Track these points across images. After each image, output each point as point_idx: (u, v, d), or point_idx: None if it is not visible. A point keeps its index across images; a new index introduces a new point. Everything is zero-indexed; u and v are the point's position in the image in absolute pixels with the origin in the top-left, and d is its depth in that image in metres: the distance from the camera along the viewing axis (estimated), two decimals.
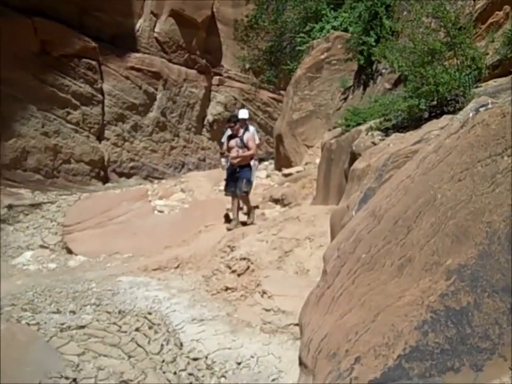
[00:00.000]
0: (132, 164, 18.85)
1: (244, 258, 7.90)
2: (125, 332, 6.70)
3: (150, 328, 6.72)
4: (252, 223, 10.10)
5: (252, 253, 7.99)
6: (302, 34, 16.98)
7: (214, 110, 21.97)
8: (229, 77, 22.60)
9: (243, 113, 11.40)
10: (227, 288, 7.44)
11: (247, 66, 21.97)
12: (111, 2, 18.16)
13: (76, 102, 17.37)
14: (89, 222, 12.31)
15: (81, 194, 15.75)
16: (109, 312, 7.20)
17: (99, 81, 18.15)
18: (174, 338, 6.37)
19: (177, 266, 8.91)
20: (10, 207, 13.57)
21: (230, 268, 7.88)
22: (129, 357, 6.20)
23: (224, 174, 11.27)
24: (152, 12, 19.74)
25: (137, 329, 6.72)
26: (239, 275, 7.64)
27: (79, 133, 17.44)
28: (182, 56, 20.79)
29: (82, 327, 6.85)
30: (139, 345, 6.40)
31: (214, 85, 22.12)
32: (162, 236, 10.83)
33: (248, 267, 7.70)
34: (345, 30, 14.70)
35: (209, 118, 21.78)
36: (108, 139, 18.39)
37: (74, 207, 14.00)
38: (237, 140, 10.36)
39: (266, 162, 17.66)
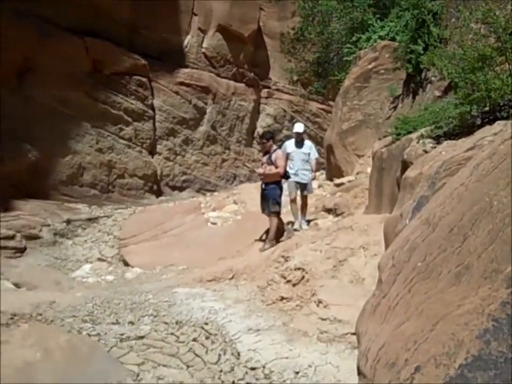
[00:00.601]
0: (184, 177, 19.09)
1: (299, 268, 7.89)
2: (183, 342, 6.79)
3: (207, 338, 6.78)
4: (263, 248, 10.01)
5: (306, 263, 7.98)
6: (348, 45, 16.96)
7: (263, 122, 22.07)
8: (277, 89, 22.69)
9: (298, 127, 11.46)
10: (282, 298, 7.46)
11: (295, 78, 22.05)
12: (159, 20, 18.49)
13: (128, 118, 17.72)
14: (144, 235, 12.53)
15: (136, 208, 16.06)
16: (166, 323, 7.30)
17: (150, 97, 18.46)
18: (231, 348, 6.42)
19: (232, 277, 8.96)
20: (68, 221, 13.95)
21: (284, 278, 7.89)
22: (188, 366, 6.28)
23: None
24: (199, 28, 20.02)
25: (194, 340, 6.79)
26: (294, 285, 7.65)
27: (132, 148, 17.77)
28: (230, 70, 21.00)
29: (141, 337, 6.98)
30: (197, 355, 6.47)
31: (263, 97, 22.23)
32: (216, 247, 10.93)
33: (303, 277, 7.70)
34: (392, 39, 14.63)
35: (259, 130, 21.85)
36: (160, 153, 18.69)
37: (130, 220, 14.28)
38: (267, 157, 10.47)
39: (318, 173, 17.66)
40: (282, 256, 8.54)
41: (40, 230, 13.01)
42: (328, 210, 11.93)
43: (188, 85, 19.44)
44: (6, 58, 14.79)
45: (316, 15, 20.35)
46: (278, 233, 10.32)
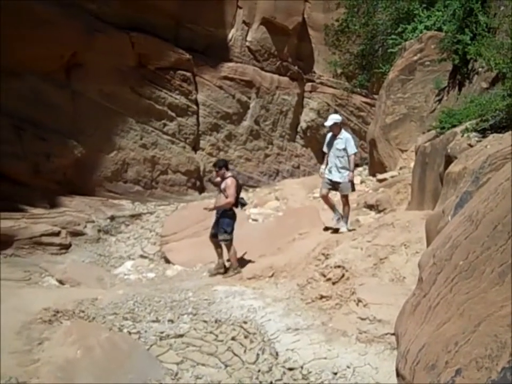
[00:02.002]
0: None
1: (339, 266, 7.80)
2: (221, 341, 6.78)
3: (245, 337, 6.75)
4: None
5: (346, 261, 7.88)
6: (394, 36, 16.70)
7: (307, 117, 21.88)
8: (321, 83, 22.45)
9: (328, 120, 10.66)
10: (322, 297, 7.38)
11: (339, 71, 21.83)
12: (204, 13, 18.48)
13: (171, 114, 17.77)
14: (186, 231, 12.56)
15: (179, 205, 16.15)
16: (205, 321, 7.30)
17: (193, 92, 18.48)
18: (269, 348, 6.38)
19: (272, 275, 8.92)
20: (112, 218, 14.12)
21: (324, 276, 7.81)
22: (226, 366, 6.26)
23: (319, 181, 11.19)
24: (244, 21, 19.94)
25: (233, 338, 6.77)
26: (333, 283, 7.56)
27: (175, 144, 17.83)
28: (274, 64, 20.88)
29: (181, 336, 6.99)
30: (235, 355, 6.45)
31: (306, 91, 22.03)
32: (257, 244, 10.87)
33: (343, 275, 7.59)
34: (439, 30, 14.33)
35: (303, 125, 21.70)
36: (203, 149, 18.70)
37: (172, 217, 14.35)
38: (219, 185, 10.23)
39: (360, 168, 17.45)
40: (323, 254, 8.45)
41: (85, 227, 13.19)
42: (370, 207, 11.77)
43: (232, 79, 19.39)
44: (54, 54, 15.04)
45: (360, 6, 20.14)
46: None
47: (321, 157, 22.19)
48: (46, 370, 5.81)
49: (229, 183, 10.01)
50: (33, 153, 14.35)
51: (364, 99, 23.06)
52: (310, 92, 22.19)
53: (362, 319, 6.42)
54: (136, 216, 14.81)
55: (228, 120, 19.24)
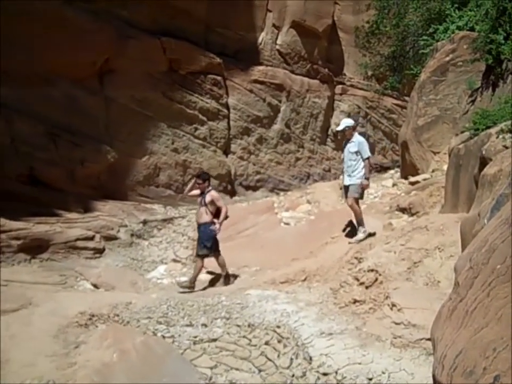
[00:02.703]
0: (258, 176, 19.11)
1: (372, 270, 7.75)
2: (255, 345, 6.77)
3: (279, 342, 6.74)
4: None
5: (379, 264, 7.83)
6: (425, 37, 16.55)
7: (337, 120, 21.71)
8: (351, 85, 22.38)
9: (340, 124, 10.43)
10: (355, 301, 7.33)
11: (370, 73, 21.71)
12: (234, 17, 18.58)
13: (203, 118, 17.87)
14: (218, 235, 12.59)
15: None
16: (238, 326, 7.30)
17: (224, 96, 18.56)
18: (303, 353, 6.35)
19: (305, 279, 8.90)
20: (145, 222, 14.23)
21: (357, 280, 7.76)
22: (260, 370, 6.25)
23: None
24: (273, 25, 19.97)
25: (266, 343, 6.76)
26: (367, 287, 7.51)
27: (206, 148, 17.92)
28: (304, 67, 20.86)
29: (214, 340, 7.01)
30: (269, 359, 6.43)
31: (337, 94, 21.97)
32: (289, 248, 10.86)
33: (376, 279, 7.54)
34: (471, 30, 14.17)
35: (333, 127, 21.62)
36: (234, 153, 18.76)
37: None
38: (201, 199, 10.12)
39: (392, 171, 17.35)
40: (356, 258, 8.41)
41: (118, 231, 13.31)
42: (403, 210, 11.66)
43: (262, 83, 19.43)
44: (87, 60, 15.30)
45: (391, 7, 19.99)
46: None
47: None
48: (83, 373, 5.87)
49: (216, 195, 10.13)
50: (68, 159, 14.58)
51: (395, 101, 22.92)
52: (341, 94, 22.14)
53: (396, 323, 6.36)
54: (168, 220, 14.90)
55: (258, 124, 19.28)
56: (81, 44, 14.60)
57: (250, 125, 19.05)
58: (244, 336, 7.02)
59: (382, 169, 20.98)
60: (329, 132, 21.64)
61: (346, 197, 10.24)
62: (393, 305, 6.67)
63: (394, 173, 16.84)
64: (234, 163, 18.62)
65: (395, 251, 8.07)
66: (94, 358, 6.25)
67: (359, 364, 5.82)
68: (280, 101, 19.92)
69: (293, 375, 5.98)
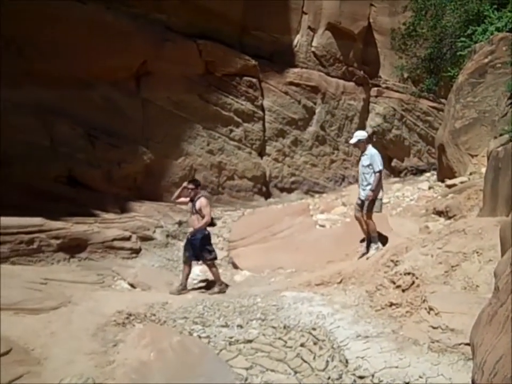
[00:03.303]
0: (292, 178, 19.12)
1: (409, 273, 7.67)
2: (290, 347, 6.79)
3: (315, 344, 6.75)
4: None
5: (416, 268, 7.75)
6: (463, 39, 16.37)
7: (373, 122, 21.73)
8: (387, 88, 22.26)
9: (353, 137, 10.07)
10: (391, 304, 7.29)
11: (406, 75, 21.56)
12: (270, 20, 18.66)
13: (238, 120, 17.97)
14: (253, 237, 12.63)
15: (245, 210, 16.27)
16: (274, 327, 7.32)
17: (259, 98, 18.63)
18: (339, 355, 6.34)
19: (340, 281, 8.88)
20: (180, 223, 14.36)
21: (394, 283, 7.71)
22: (295, 372, 6.27)
23: (386, 187, 10.99)
24: (309, 27, 20.00)
25: (302, 345, 6.78)
26: (403, 290, 7.45)
27: (241, 150, 18.01)
28: (340, 69, 20.83)
29: (250, 341, 7.04)
30: (304, 361, 6.45)
31: (372, 96, 21.89)
32: (325, 250, 10.83)
33: (413, 282, 7.48)
34: (511, 31, 13.98)
35: (368, 130, 21.54)
36: (269, 155, 18.81)
37: (239, 222, 14.47)
38: (191, 205, 9.87)
39: (428, 174, 17.21)
40: (392, 260, 8.34)
41: (154, 232, 13.44)
42: (439, 213, 11.55)
43: (297, 85, 19.46)
44: (125, 63, 15.57)
45: (428, 9, 19.81)
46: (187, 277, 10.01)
47: (386, 163, 22.10)
48: (122, 372, 5.97)
49: (205, 202, 9.83)
50: (106, 161, 14.81)
51: (431, 103, 22.73)
52: (376, 96, 22.06)
53: (434, 327, 6.30)
54: None
55: (293, 126, 19.31)
56: (120, 47, 14.89)
57: (285, 127, 19.08)
58: (280, 338, 7.04)
59: (418, 171, 20.82)
60: None
61: (361, 210, 9.90)
62: (431, 309, 6.61)
63: (431, 176, 16.69)
64: (269, 165, 18.67)
65: (432, 254, 7.97)
66: (132, 356, 6.35)
67: (396, 367, 5.78)
68: (315, 103, 19.92)
69: (329, 378, 5.98)
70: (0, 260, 9.89)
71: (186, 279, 9.82)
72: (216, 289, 9.76)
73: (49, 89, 13.99)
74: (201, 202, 9.75)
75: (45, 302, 8.06)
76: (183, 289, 9.66)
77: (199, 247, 9.70)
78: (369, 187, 9.63)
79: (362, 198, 9.77)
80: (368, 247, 9.89)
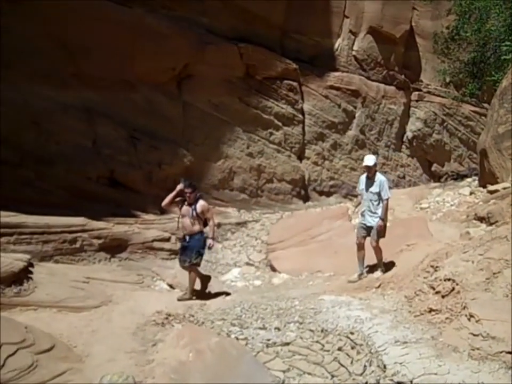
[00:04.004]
0: (331, 182, 19.07)
1: (449, 279, 7.58)
2: (328, 350, 6.79)
3: (352, 348, 6.73)
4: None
5: (456, 274, 7.64)
6: (507, 43, 16.10)
7: (413, 126, 21.54)
8: (428, 92, 22.04)
9: (367, 160, 9.58)
10: (431, 310, 7.22)
11: (448, 79, 21.30)
12: (311, 24, 18.68)
13: (278, 123, 18.00)
14: (292, 240, 12.67)
15: (283, 213, 16.31)
16: (312, 331, 7.34)
17: (300, 102, 18.65)
18: (377, 360, 6.32)
19: (379, 286, 8.85)
20: (219, 225, 14.41)
21: (433, 288, 7.63)
22: (332, 376, 6.27)
23: (426, 192, 10.86)
24: (350, 31, 19.94)
25: (339, 349, 6.77)
26: (443, 296, 7.36)
27: (281, 153, 18.04)
28: (381, 73, 20.71)
29: (287, 344, 7.07)
30: (342, 365, 6.44)
31: (413, 100, 21.68)
32: None
33: (453, 288, 7.38)
34: None
35: (409, 134, 21.39)
36: (308, 158, 18.80)
37: (277, 225, 14.52)
38: (190, 209, 9.31)
39: (469, 179, 16.95)
40: (432, 266, 8.26)
41: None
42: (481, 219, 11.39)
43: (338, 89, 19.42)
44: (167, 66, 15.77)
45: (472, 12, 19.53)
46: (205, 281, 9.79)
47: (426, 167, 21.91)
48: (161, 371, 6.05)
49: (207, 205, 9.52)
50: (147, 162, 15.00)
51: (473, 108, 22.43)
52: (417, 101, 21.86)
53: (474, 335, 6.22)
54: (241, 224, 15.09)
55: (333, 130, 19.27)
56: (162, 50, 15.08)
57: (325, 130, 19.06)
58: (317, 341, 7.05)
59: (459, 177, 20.56)
60: (404, 139, 21.40)
61: (366, 235, 9.56)
62: (471, 316, 6.53)
63: (472, 181, 16.42)
64: (308, 168, 18.66)
65: (473, 261, 7.86)
66: (171, 356, 6.43)
67: (435, 374, 5.72)
68: (355, 107, 19.86)
69: (366, 383, 5.96)
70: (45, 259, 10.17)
71: (194, 284, 9.49)
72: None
73: (94, 90, 14.29)
74: (203, 205, 9.38)
75: (87, 301, 8.25)
76: (191, 295, 9.38)
77: (194, 249, 9.33)
78: (377, 215, 9.37)
79: (369, 224, 9.46)
80: (361, 270, 9.66)
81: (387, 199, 9.43)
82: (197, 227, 9.35)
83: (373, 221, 9.38)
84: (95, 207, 13.07)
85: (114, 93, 14.65)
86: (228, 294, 9.89)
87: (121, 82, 14.78)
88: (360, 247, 9.61)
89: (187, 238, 9.42)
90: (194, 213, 9.26)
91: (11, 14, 13.12)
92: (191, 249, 9.34)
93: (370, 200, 9.42)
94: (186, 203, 9.35)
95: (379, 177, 9.52)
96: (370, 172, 9.48)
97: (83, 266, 10.89)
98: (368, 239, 9.56)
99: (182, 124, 16.15)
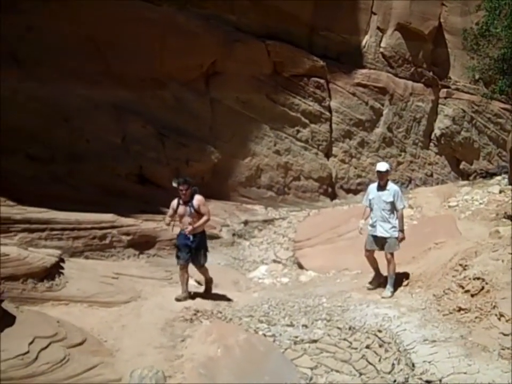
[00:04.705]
0: (358, 180, 18.98)
1: (478, 278, 7.54)
2: (356, 348, 6.82)
3: (380, 346, 6.75)
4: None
5: (486, 273, 7.60)
6: None
7: (441, 124, 21.31)
8: (457, 89, 21.78)
9: (380, 166, 9.11)
10: (460, 309, 7.20)
11: (477, 76, 21.00)
12: (339, 20, 18.60)
13: (305, 120, 17.98)
14: (319, 238, 12.66)
15: (310, 211, 16.30)
16: (339, 328, 7.37)
17: (327, 99, 18.59)
18: (405, 358, 6.33)
19: (407, 284, 8.83)
20: (246, 222, 14.52)
21: (462, 287, 7.60)
22: (360, 374, 6.30)
23: (455, 190, 10.74)
24: (378, 27, 19.81)
25: (367, 347, 6.79)
26: (472, 295, 7.33)
27: (308, 151, 18.01)
28: (408, 70, 20.55)
29: (315, 341, 7.11)
30: (370, 363, 6.46)
31: (441, 97, 21.44)
32: None
33: (483, 287, 7.34)
34: None
35: (437, 132, 21.17)
36: (335, 156, 18.75)
37: (304, 223, 14.52)
38: (186, 207, 8.53)
39: (499, 177, 16.80)
40: (460, 265, 8.22)
41: (220, 230, 13.65)
42: (510, 217, 11.29)
43: (365, 86, 19.31)
44: (195, 63, 15.87)
45: (503, 8, 19.26)
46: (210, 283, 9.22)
47: (454, 165, 21.70)
48: (190, 366, 6.13)
49: (203, 200, 8.67)
50: (174, 159, 15.12)
51: (503, 105, 22.11)
52: (445, 98, 21.61)
53: (504, 334, 6.19)
54: (268, 221, 15.14)
55: (360, 127, 19.19)
56: (191, 47, 15.20)
57: (352, 128, 18.98)
58: (345, 339, 7.08)
59: (488, 175, 20.35)
60: (432, 136, 21.21)
61: (375, 248, 9.11)
62: (501, 315, 6.50)
63: (501, 179, 16.28)
64: (335, 166, 18.61)
65: (503, 259, 7.80)
66: (199, 351, 6.51)
67: (465, 373, 5.72)
68: (382, 105, 19.74)
69: (395, 381, 5.98)
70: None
71: (187, 284, 8.79)
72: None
73: (124, 88, 14.47)
74: (199, 200, 8.60)
75: (116, 296, 8.35)
76: (187, 296, 8.65)
77: (202, 250, 8.75)
78: (392, 225, 8.89)
79: (381, 235, 8.93)
80: (377, 281, 9.21)
81: (402, 209, 9.01)
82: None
83: (386, 232, 8.88)
84: (124, 204, 13.21)
85: (143, 91, 14.82)
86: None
87: (150, 80, 14.93)
88: (370, 259, 9.21)
89: (190, 237, 8.54)
90: (192, 210, 8.53)
91: (43, 13, 13.31)
92: (197, 250, 8.67)
93: (383, 209, 8.91)
94: (181, 202, 8.59)
95: (392, 186, 9.09)
96: (382, 179, 9.02)
97: (112, 262, 11.02)
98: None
99: (210, 121, 16.25)
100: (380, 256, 9.06)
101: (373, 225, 9.03)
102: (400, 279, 9.07)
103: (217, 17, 15.92)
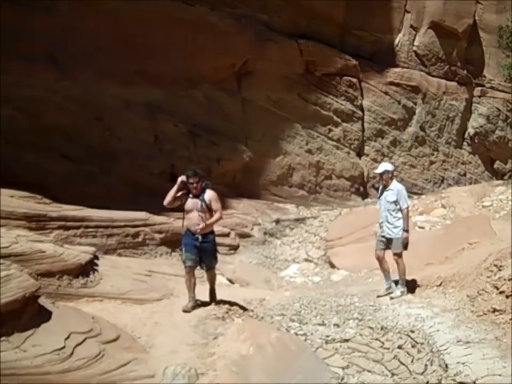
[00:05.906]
0: None
1: None
2: (388, 348, 6.77)
3: (413, 346, 6.70)
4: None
5: None
6: None
7: (475, 123, 21.07)
8: (491, 87, 21.51)
9: (380, 167, 9.13)
10: (494, 310, 7.11)
11: None
12: (371, 19, 18.52)
13: (337, 119, 17.94)
14: (351, 237, 12.62)
15: (342, 210, 16.25)
16: (371, 328, 7.33)
17: (359, 98, 18.53)
18: (438, 359, 6.27)
19: (440, 284, 8.75)
20: (277, 221, 14.55)
21: (497, 288, 7.49)
22: (393, 374, 6.25)
23: (488, 190, 10.61)
24: (411, 26, 19.67)
25: (399, 347, 6.74)
26: (507, 296, 7.22)
27: (340, 149, 17.97)
28: (442, 68, 20.36)
29: (346, 340, 7.09)
30: (402, 363, 6.41)
31: (475, 96, 21.20)
32: (424, 252, 10.67)
33: None
34: None
35: (470, 131, 20.95)
36: (367, 155, 18.67)
37: (336, 222, 14.49)
38: (197, 201, 7.71)
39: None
40: (495, 265, 8.11)
41: (252, 229, 13.70)
42: None
43: (398, 85, 19.20)
44: (227, 63, 15.96)
45: None
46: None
47: (488, 165, 21.42)
48: (222, 364, 6.14)
49: (215, 195, 7.88)
50: (206, 158, 15.19)
51: None
52: (479, 96, 21.38)
53: None
54: (300, 220, 15.14)
55: (392, 126, 19.07)
56: (223, 47, 15.28)
57: (385, 127, 18.88)
58: (377, 339, 7.04)
59: None
60: (466, 135, 20.97)
61: (385, 248, 8.98)
62: None
63: None
64: (367, 165, 18.52)
65: None
66: (231, 349, 6.52)
67: (499, 375, 5.64)
68: (415, 103, 19.60)
69: (427, 382, 5.92)
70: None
71: (195, 290, 7.94)
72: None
73: (156, 87, 14.59)
74: (211, 195, 7.79)
75: (149, 293, 8.43)
76: (195, 305, 7.84)
77: (212, 252, 8.02)
78: (398, 225, 8.77)
79: (388, 236, 8.84)
80: (389, 283, 9.03)
81: (406, 208, 8.87)
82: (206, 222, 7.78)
83: (392, 232, 8.79)
84: (156, 202, 13.24)
85: (175, 90, 14.93)
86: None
87: (182, 79, 15.02)
88: (380, 260, 9.02)
89: (199, 238, 7.73)
90: (203, 205, 7.70)
91: (78, 13, 13.49)
92: (206, 252, 7.89)
93: (388, 210, 8.84)
94: (191, 196, 7.77)
95: (396, 185, 9.01)
96: (384, 180, 9.00)
97: (145, 259, 11.11)
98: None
99: (241, 120, 16.30)
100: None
101: (380, 226, 9.01)
102: (432, 279, 9.01)
103: (249, 16, 15.96)
